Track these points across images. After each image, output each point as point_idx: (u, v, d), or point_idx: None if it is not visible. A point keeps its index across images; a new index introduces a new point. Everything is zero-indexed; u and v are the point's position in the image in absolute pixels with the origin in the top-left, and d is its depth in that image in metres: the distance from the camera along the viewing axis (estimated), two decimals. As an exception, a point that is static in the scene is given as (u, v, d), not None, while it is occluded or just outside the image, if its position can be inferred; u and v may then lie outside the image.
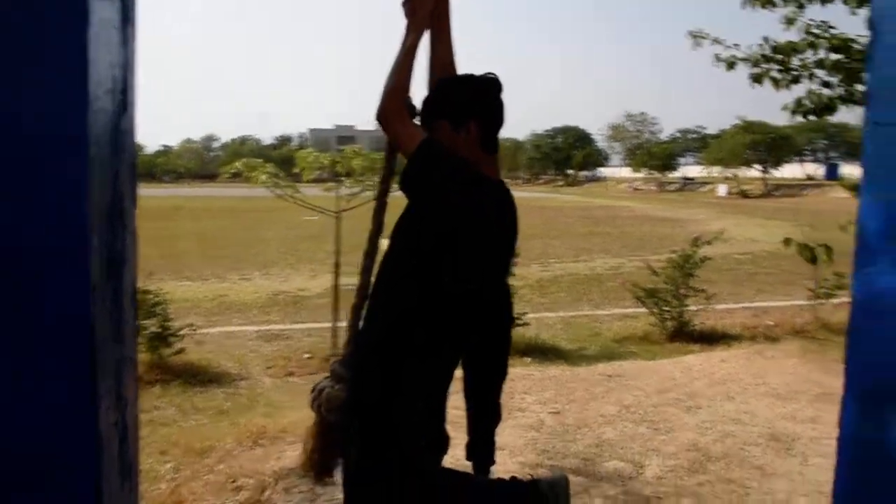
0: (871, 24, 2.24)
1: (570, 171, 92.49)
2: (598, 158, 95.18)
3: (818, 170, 70.52)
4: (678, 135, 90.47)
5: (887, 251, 2.19)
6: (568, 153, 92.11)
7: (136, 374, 1.27)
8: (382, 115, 1.95)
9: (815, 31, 4.98)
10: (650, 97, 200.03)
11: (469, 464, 2.58)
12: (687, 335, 7.65)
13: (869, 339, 2.26)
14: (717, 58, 5.48)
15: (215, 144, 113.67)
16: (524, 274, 10.86)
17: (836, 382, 4.28)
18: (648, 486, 3.34)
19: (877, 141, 2.21)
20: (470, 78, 2.06)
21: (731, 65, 5.46)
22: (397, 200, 2.11)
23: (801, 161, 72.01)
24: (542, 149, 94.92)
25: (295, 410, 4.20)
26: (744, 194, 54.24)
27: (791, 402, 4.68)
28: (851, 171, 66.84)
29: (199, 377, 5.47)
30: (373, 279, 2.09)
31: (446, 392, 2.21)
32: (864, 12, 4.71)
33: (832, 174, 66.56)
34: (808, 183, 61.69)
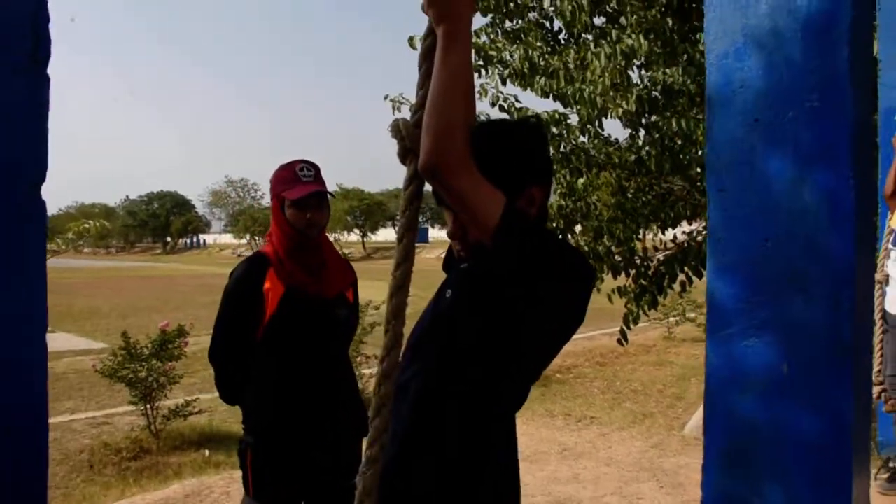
0: (708, 101, 2.25)
1: (169, 239, 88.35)
2: (199, 224, 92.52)
3: (409, 234, 78.09)
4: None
5: (739, 312, 2.20)
6: (166, 220, 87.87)
7: None
8: (435, 165, 1.32)
9: (503, 104, 5.22)
10: (250, 162, 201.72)
11: None
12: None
13: (723, 399, 2.23)
14: None
15: None
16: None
17: (564, 438, 4.36)
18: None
19: (718, 206, 2.22)
20: (513, 127, 1.58)
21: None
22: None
23: (395, 225, 79.13)
24: (138, 216, 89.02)
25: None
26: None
27: (543, 463, 4.68)
28: (438, 234, 76.48)
29: None
30: None
31: None
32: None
33: (422, 237, 74.80)
34: (403, 246, 67.78)
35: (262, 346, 2.38)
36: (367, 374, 7.81)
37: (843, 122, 1.92)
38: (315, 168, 2.46)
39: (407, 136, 1.40)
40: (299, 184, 2.38)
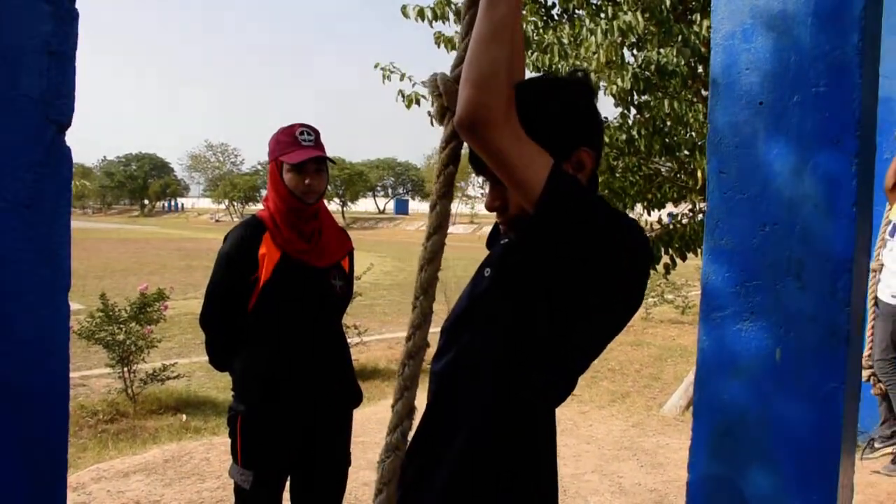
0: (712, 82, 2.22)
1: (147, 201, 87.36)
2: (177, 188, 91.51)
3: (388, 204, 78.17)
4: (260, 167, 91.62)
5: (733, 296, 2.19)
6: (144, 182, 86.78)
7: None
8: (474, 118, 1.16)
9: None
10: (233, 128, 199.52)
11: None
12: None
13: (714, 382, 2.23)
14: (402, 94, 5.34)
15: None
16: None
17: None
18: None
19: (718, 189, 2.20)
20: (558, 82, 1.36)
21: (413, 101, 5.37)
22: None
23: (374, 196, 78.91)
24: (115, 177, 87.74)
25: None
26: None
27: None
28: (418, 206, 76.31)
29: None
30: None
31: None
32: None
33: (401, 208, 74.61)
34: (382, 217, 67.78)
35: (255, 313, 2.32)
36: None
37: (849, 109, 1.90)
38: (315, 132, 2.39)
39: (445, 93, 1.26)
40: (299, 148, 2.31)
